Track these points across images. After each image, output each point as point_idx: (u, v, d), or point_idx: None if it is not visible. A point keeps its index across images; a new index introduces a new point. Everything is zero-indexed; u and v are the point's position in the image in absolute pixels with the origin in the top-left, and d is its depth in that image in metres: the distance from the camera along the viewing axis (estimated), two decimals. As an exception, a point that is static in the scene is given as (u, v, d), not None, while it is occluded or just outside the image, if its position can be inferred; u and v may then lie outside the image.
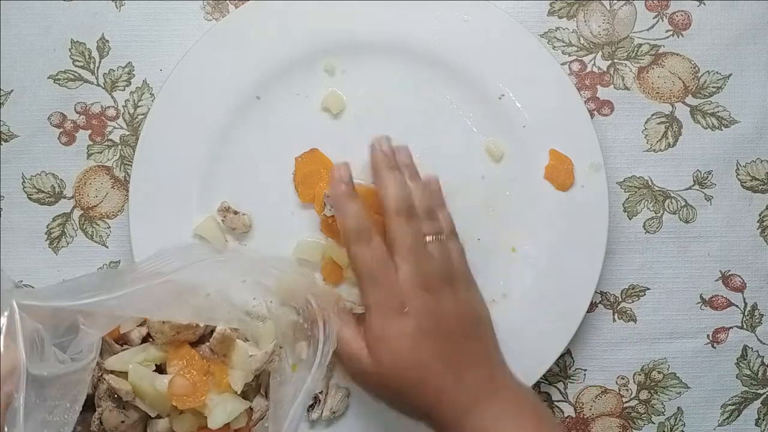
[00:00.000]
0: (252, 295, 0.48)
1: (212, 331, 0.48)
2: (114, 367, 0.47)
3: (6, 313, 0.39)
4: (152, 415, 0.47)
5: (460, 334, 0.49)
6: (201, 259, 0.45)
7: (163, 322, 0.47)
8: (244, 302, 0.49)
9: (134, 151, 0.56)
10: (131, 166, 0.56)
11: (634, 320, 0.59)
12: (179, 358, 0.47)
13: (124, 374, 0.47)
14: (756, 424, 0.60)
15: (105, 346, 0.48)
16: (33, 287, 0.58)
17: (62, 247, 0.59)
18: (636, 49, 0.59)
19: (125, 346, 0.48)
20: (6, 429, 0.38)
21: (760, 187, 0.59)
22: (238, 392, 0.47)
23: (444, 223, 0.54)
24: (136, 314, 0.47)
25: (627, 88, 0.59)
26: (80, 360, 0.44)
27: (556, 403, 0.60)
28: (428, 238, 0.51)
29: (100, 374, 0.47)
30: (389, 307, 0.48)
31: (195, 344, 0.48)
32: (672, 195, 0.59)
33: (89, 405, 0.47)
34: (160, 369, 0.48)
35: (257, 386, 0.50)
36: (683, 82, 0.59)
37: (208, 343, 0.48)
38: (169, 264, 0.45)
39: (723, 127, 0.59)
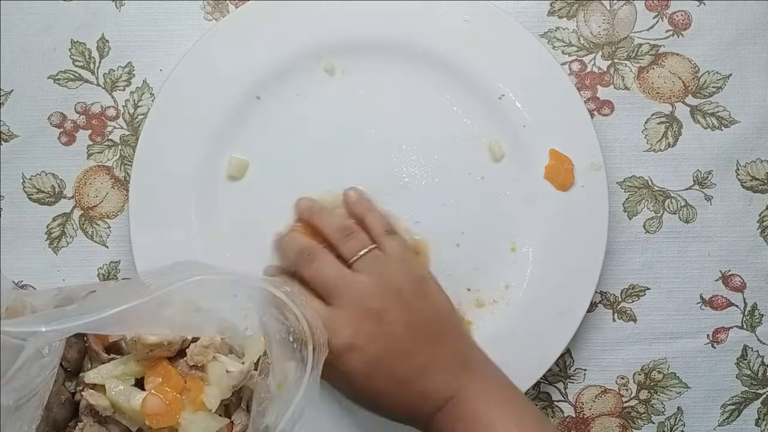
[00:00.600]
0: (243, 311, 0.48)
1: (193, 341, 0.47)
2: (93, 380, 0.46)
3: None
4: (133, 429, 0.46)
5: (411, 345, 0.49)
6: (189, 277, 0.44)
7: (136, 340, 0.45)
8: (234, 318, 0.48)
9: (134, 151, 0.56)
10: (131, 166, 0.56)
11: (634, 320, 0.59)
12: (156, 375, 0.46)
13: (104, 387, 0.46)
14: (756, 424, 0.60)
15: (92, 354, 0.48)
16: (33, 287, 0.58)
17: (62, 247, 0.59)
18: (636, 49, 0.59)
19: (112, 355, 0.48)
20: None
21: (760, 187, 0.59)
22: (213, 410, 0.46)
23: (377, 224, 0.54)
24: (114, 332, 0.47)
25: (627, 88, 0.59)
26: (45, 367, 0.43)
27: (556, 403, 0.60)
28: (354, 258, 0.51)
29: (81, 387, 0.47)
30: (334, 348, 0.48)
31: (174, 358, 0.47)
32: (672, 195, 0.59)
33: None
34: (142, 382, 0.47)
35: (238, 400, 0.49)
36: (683, 82, 0.59)
37: (185, 359, 0.47)
38: (157, 281, 0.44)
39: (723, 127, 0.59)
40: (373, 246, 0.52)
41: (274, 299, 0.45)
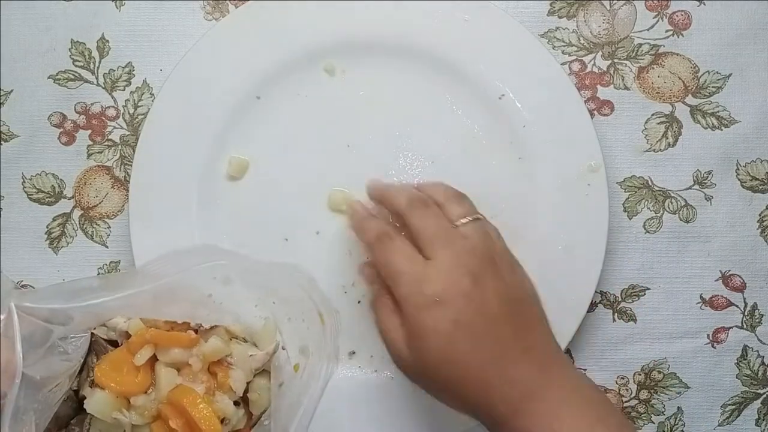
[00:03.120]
0: (255, 297, 0.48)
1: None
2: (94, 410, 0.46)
3: (4, 315, 0.39)
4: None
5: (504, 321, 0.44)
6: (204, 262, 0.45)
7: (155, 320, 0.47)
8: (246, 304, 0.49)
9: (134, 151, 0.56)
10: (131, 166, 0.56)
11: (634, 320, 0.59)
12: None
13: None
14: (756, 424, 0.60)
15: (99, 348, 0.48)
16: (33, 287, 0.58)
17: (62, 247, 0.59)
18: (636, 49, 0.59)
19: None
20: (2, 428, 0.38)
21: (760, 187, 0.59)
22: (240, 393, 0.47)
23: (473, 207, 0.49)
24: (134, 315, 0.47)
25: (627, 88, 0.59)
26: (70, 360, 0.44)
27: (556, 403, 0.60)
28: (461, 221, 0.47)
29: (91, 378, 0.47)
30: (421, 299, 0.44)
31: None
32: (672, 195, 0.59)
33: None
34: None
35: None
36: (683, 82, 0.59)
37: (196, 351, 0.48)
38: (173, 266, 0.45)
39: (723, 127, 0.59)
40: (480, 216, 0.48)
41: (288, 283, 0.46)
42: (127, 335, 0.47)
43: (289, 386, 0.47)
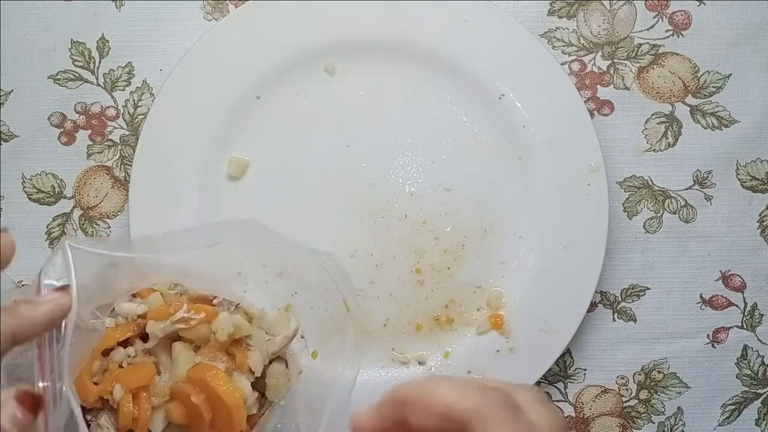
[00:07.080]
0: (276, 285, 0.49)
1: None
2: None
3: (59, 254, 0.40)
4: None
5: None
6: (241, 237, 0.46)
7: (181, 294, 0.48)
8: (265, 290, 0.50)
9: (134, 151, 0.56)
10: (131, 166, 0.56)
11: (634, 320, 0.59)
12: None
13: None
14: (756, 424, 0.60)
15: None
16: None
17: (62, 247, 0.59)
18: (636, 48, 0.59)
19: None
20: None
21: (760, 187, 0.59)
22: (258, 374, 0.48)
23: None
24: (170, 278, 0.48)
25: (627, 88, 0.59)
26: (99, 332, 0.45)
27: (556, 403, 0.60)
28: None
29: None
30: None
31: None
32: (672, 195, 0.59)
33: None
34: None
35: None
36: (683, 82, 0.59)
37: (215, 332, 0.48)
38: (210, 237, 0.45)
39: (723, 127, 0.59)
40: None
41: (316, 271, 0.46)
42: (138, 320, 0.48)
43: (308, 375, 0.47)
